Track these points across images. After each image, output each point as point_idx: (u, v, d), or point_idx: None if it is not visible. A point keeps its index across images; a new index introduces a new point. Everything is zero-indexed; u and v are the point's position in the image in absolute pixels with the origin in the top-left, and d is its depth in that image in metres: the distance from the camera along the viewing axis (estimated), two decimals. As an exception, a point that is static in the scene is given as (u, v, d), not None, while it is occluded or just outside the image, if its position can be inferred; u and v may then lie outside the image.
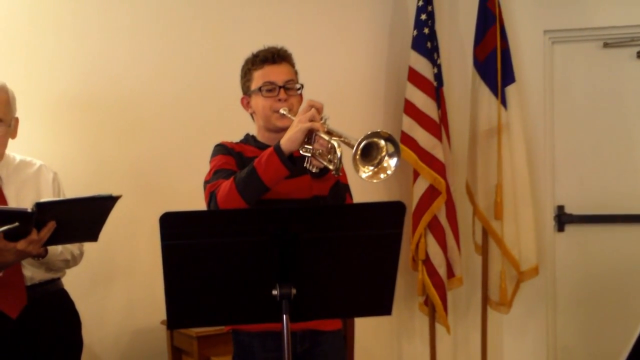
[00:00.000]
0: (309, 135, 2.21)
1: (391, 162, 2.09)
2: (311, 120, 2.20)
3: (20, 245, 2.33)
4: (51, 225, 2.36)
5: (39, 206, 2.31)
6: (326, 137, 2.16)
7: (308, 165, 2.24)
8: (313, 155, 2.21)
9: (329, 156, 2.18)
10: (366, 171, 2.08)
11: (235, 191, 2.21)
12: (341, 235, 1.96)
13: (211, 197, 2.26)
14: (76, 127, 3.33)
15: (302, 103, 2.31)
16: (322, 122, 2.21)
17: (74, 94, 3.31)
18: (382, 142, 2.08)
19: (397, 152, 2.09)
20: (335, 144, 2.12)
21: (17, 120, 2.64)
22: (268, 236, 1.89)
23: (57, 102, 3.27)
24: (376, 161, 2.09)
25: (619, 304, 4.07)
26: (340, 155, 2.10)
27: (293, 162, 2.22)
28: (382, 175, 2.09)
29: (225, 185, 2.24)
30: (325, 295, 2.03)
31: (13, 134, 2.63)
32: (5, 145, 2.59)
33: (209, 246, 1.89)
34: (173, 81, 3.53)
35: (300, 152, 2.22)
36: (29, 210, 2.31)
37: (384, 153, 2.09)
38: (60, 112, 3.28)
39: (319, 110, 2.24)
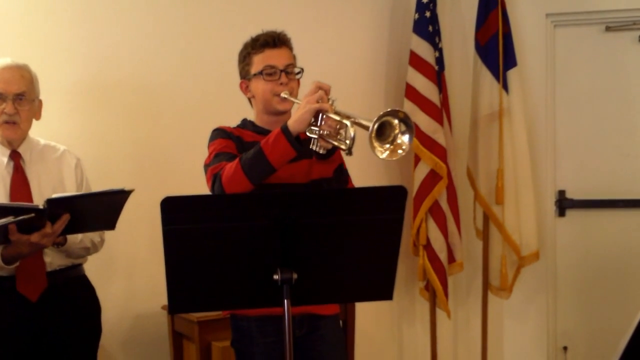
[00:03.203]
0: (316, 117, 2.21)
1: (404, 139, 2.09)
2: (319, 102, 2.19)
3: (34, 237, 2.36)
4: (65, 218, 2.39)
5: (50, 202, 2.34)
6: (337, 118, 2.16)
7: (315, 146, 2.24)
8: (321, 137, 2.21)
9: (338, 137, 2.19)
10: (383, 150, 2.08)
11: (241, 172, 2.21)
12: (342, 219, 1.96)
13: (215, 178, 2.26)
14: (77, 111, 3.31)
15: (311, 85, 2.31)
16: (330, 103, 2.21)
17: (74, 79, 3.29)
18: (396, 121, 2.08)
19: (409, 130, 2.08)
20: (348, 124, 2.11)
21: (41, 102, 2.69)
22: (269, 221, 1.89)
23: (56, 86, 3.23)
24: (390, 139, 2.09)
25: (619, 288, 4.07)
26: (354, 136, 2.10)
27: (300, 143, 2.21)
28: (399, 152, 2.10)
29: (231, 166, 2.24)
30: (326, 280, 2.03)
31: (37, 115, 2.68)
32: (30, 121, 2.64)
33: (210, 231, 1.89)
34: (173, 65, 3.51)
35: (307, 133, 2.22)
36: (41, 206, 2.34)
37: (397, 131, 2.09)
38: (60, 96, 3.25)
39: (327, 92, 2.24)
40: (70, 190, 2.66)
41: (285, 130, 2.21)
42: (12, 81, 2.57)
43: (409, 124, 2.08)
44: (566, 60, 4.14)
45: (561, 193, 4.17)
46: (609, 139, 4.12)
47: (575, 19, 4.11)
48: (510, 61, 3.92)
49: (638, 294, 3.98)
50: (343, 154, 2.19)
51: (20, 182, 2.57)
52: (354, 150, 2.14)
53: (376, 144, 2.06)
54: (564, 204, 4.17)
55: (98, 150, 3.33)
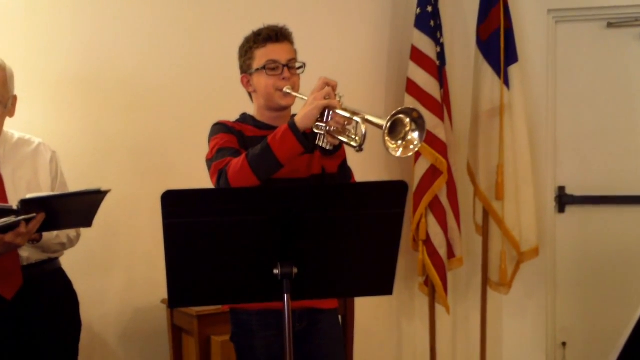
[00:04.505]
0: (322, 113, 2.21)
1: (415, 135, 2.10)
2: (326, 98, 2.19)
3: (8, 237, 2.32)
4: (40, 218, 2.34)
5: (24, 203, 2.30)
6: (347, 115, 2.16)
7: (322, 142, 2.24)
8: (328, 133, 2.21)
9: (346, 133, 2.19)
10: (396, 147, 2.09)
11: (248, 168, 2.21)
12: (343, 214, 1.96)
13: (221, 174, 2.26)
14: (76, 106, 3.30)
15: (318, 81, 2.31)
16: (337, 100, 2.21)
17: (73, 73, 3.28)
18: (407, 119, 2.09)
19: (419, 127, 2.10)
20: (359, 121, 2.11)
21: (15, 98, 2.60)
22: (270, 215, 1.88)
23: (56, 80, 3.24)
24: (401, 136, 2.11)
25: (619, 285, 4.08)
26: (365, 132, 2.10)
27: (306, 139, 2.21)
28: (411, 147, 2.10)
29: (237, 162, 2.23)
30: (326, 275, 2.03)
31: (11, 113, 2.59)
32: (1, 124, 2.56)
33: (211, 225, 1.88)
34: (172, 59, 3.51)
35: (314, 129, 2.22)
36: (14, 207, 2.29)
37: (407, 128, 2.10)
38: (59, 90, 3.26)
39: (334, 88, 2.24)
40: (44, 184, 2.61)
41: (292, 126, 2.21)
42: None
43: (419, 123, 2.09)
44: (567, 56, 4.14)
45: (561, 189, 4.17)
46: (610, 135, 4.12)
47: (576, 15, 4.11)
48: (512, 57, 3.91)
49: (637, 290, 3.98)
50: (353, 150, 2.19)
51: None
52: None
53: (389, 142, 2.07)
54: (564, 200, 4.17)
55: (98, 145, 3.33)
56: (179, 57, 3.52)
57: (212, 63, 3.55)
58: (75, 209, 2.48)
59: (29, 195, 2.35)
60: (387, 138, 2.06)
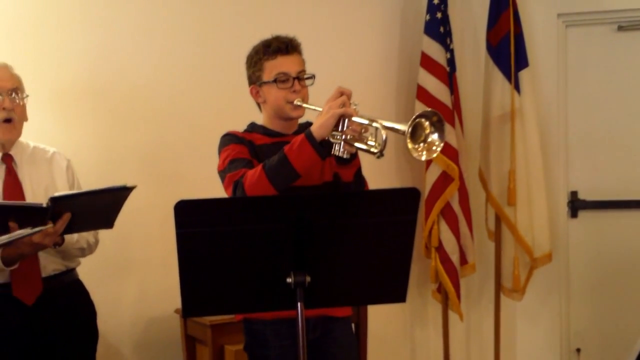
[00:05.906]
0: (337, 122, 2.21)
1: (434, 137, 2.11)
2: (342, 107, 2.19)
3: (36, 238, 2.35)
4: (66, 217, 2.38)
5: (54, 200, 2.32)
6: (365, 122, 2.17)
7: (338, 151, 2.24)
8: (345, 141, 2.21)
9: (364, 140, 2.20)
10: (420, 151, 2.10)
11: (266, 179, 2.20)
12: (355, 222, 1.97)
13: (237, 185, 2.25)
14: (87, 115, 3.32)
15: (333, 91, 2.30)
16: (353, 108, 2.22)
17: (84, 83, 3.30)
18: (427, 122, 2.09)
19: (438, 129, 2.10)
20: (379, 127, 2.11)
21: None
22: (282, 224, 1.89)
23: (67, 90, 3.26)
24: (421, 139, 2.11)
25: (632, 290, 4.05)
26: (386, 138, 2.11)
27: (323, 148, 2.22)
28: (434, 148, 2.11)
29: (253, 173, 2.23)
30: (339, 283, 2.03)
31: (25, 116, 2.65)
32: (22, 122, 2.61)
33: (224, 234, 1.89)
34: (183, 69, 3.52)
35: (329, 139, 2.22)
36: (44, 205, 2.33)
37: (427, 131, 2.11)
38: (70, 100, 3.28)
39: (349, 97, 2.24)
40: (62, 190, 2.64)
41: (309, 136, 2.20)
42: (5, 78, 2.56)
43: (438, 125, 2.10)
44: (578, 60, 4.13)
45: (573, 194, 4.16)
46: (622, 139, 4.10)
47: (587, 19, 4.10)
48: (522, 62, 3.90)
49: (652, 295, 3.97)
50: (367, 157, 2.19)
51: (13, 184, 2.56)
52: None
53: (412, 146, 2.07)
54: (576, 205, 4.15)
55: (110, 155, 3.34)
56: (189, 67, 3.54)
57: (222, 73, 3.56)
58: (100, 207, 2.51)
59: (57, 193, 2.39)
60: (409, 142, 2.06)
